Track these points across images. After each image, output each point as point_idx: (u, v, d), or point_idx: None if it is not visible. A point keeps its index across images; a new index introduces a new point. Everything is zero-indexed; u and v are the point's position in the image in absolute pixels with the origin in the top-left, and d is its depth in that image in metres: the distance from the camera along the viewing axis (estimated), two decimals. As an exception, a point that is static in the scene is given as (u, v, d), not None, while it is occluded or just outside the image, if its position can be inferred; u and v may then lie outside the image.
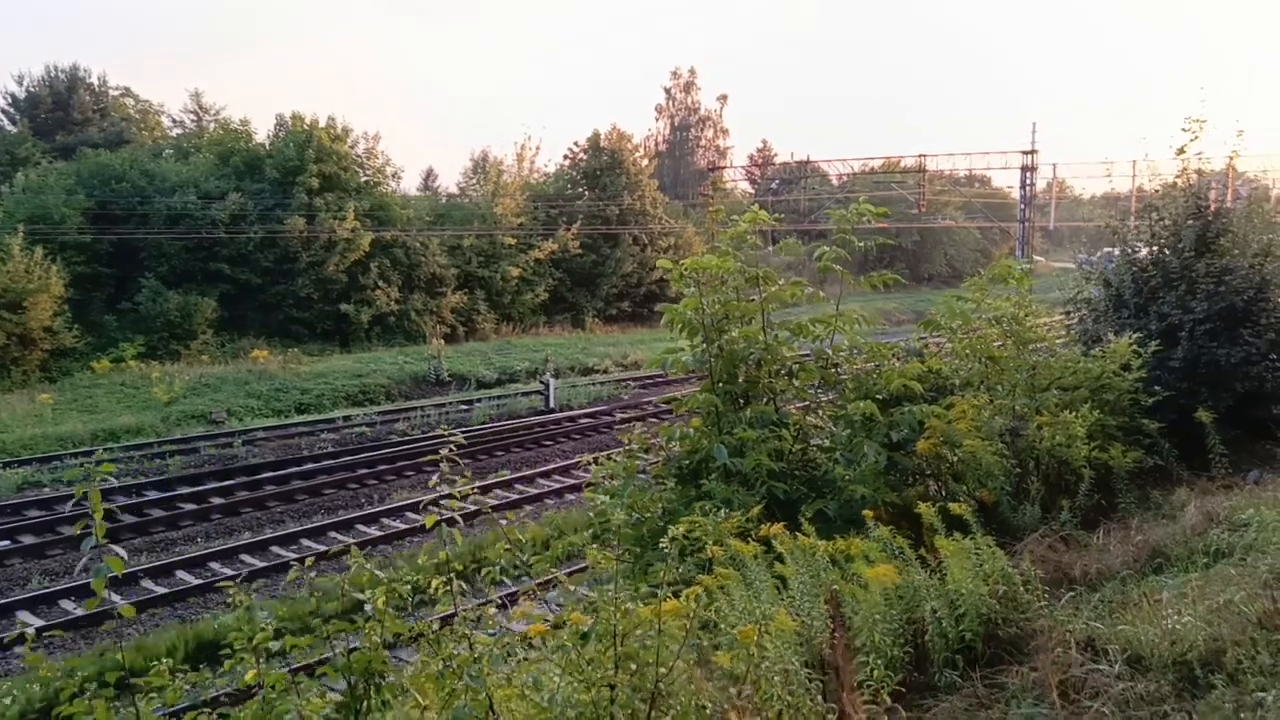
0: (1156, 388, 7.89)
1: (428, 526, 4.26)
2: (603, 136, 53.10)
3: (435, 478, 4.41)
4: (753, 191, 79.73)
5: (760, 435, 6.23)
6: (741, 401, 6.75)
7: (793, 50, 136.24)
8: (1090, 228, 59.57)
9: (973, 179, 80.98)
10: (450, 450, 4.40)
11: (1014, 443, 6.81)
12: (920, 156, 47.40)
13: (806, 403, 6.97)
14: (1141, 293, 9.73)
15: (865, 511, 5.13)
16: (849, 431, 6.67)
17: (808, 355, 7.22)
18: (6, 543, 16.73)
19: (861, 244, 7.15)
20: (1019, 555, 5.58)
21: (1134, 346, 7.95)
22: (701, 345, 6.59)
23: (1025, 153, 46.40)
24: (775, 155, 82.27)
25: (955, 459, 6.40)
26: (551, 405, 28.44)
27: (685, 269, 6.54)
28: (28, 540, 16.79)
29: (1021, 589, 4.42)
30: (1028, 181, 47.89)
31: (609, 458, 7.17)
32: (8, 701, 10.91)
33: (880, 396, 6.78)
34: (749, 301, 6.82)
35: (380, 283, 40.90)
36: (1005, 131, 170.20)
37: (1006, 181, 77.28)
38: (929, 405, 6.58)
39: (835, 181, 68.16)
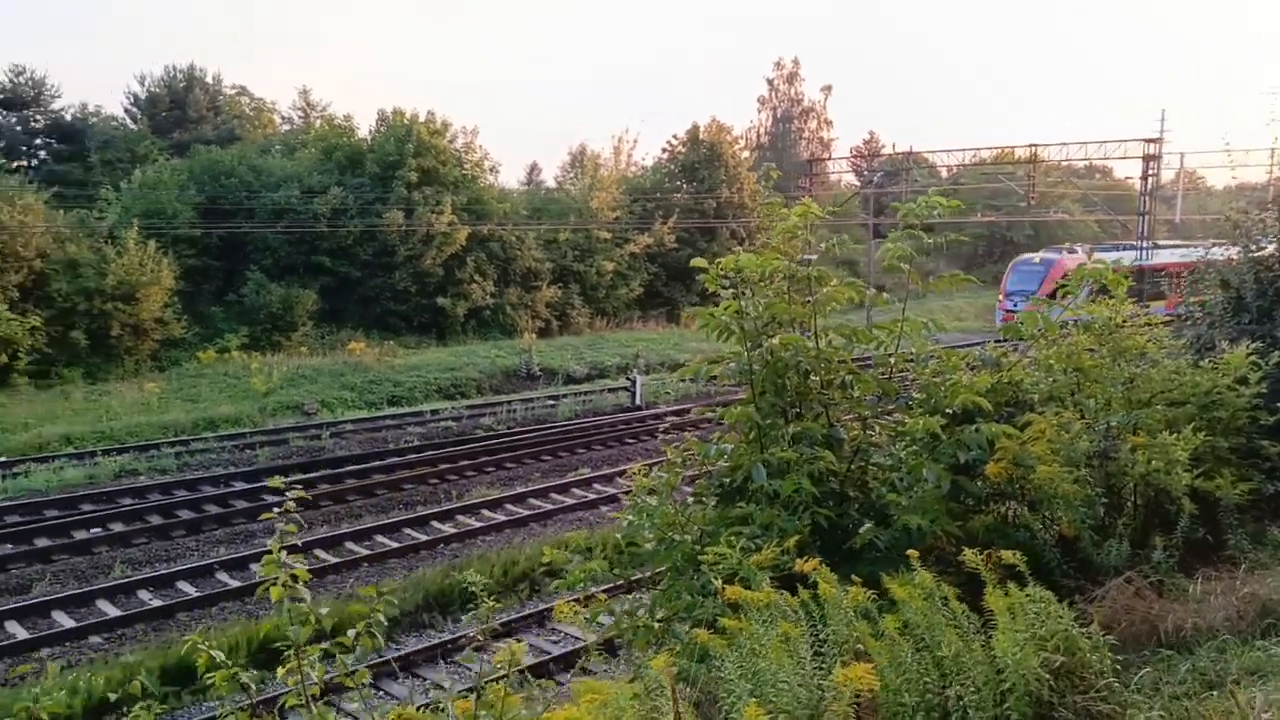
0: (1279, 405, 6.90)
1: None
2: (702, 129, 52.44)
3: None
4: (858, 184, 77.87)
5: (803, 455, 5.57)
6: (789, 416, 6.09)
7: (902, 39, 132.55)
8: (1219, 221, 56.13)
9: (1092, 170, 77.40)
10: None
11: (1102, 467, 5.97)
12: (1032, 146, 45.15)
13: (864, 417, 6.25)
14: (1266, 295, 8.65)
15: (910, 551, 4.43)
16: (910, 451, 5.94)
17: (869, 364, 6.50)
18: (98, 530, 17.16)
19: (930, 239, 6.39)
20: (1099, 601, 4.81)
21: (1253, 357, 6.96)
22: (743, 353, 5.95)
23: (1148, 140, 43.77)
24: (882, 147, 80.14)
25: (1029, 485, 5.61)
26: (637, 402, 28.00)
27: (722, 269, 5.92)
28: (117, 528, 17.18)
29: (1089, 655, 3.69)
30: (1151, 171, 45.22)
31: (648, 470, 6.59)
32: (80, 685, 11.01)
33: (949, 411, 6.02)
34: (800, 304, 6.14)
35: (476, 276, 41.19)
36: (1134, 120, 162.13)
37: (1131, 173, 73.49)
38: (1002, 424, 5.80)
39: (944, 174, 65.92)
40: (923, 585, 4.04)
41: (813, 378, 6.11)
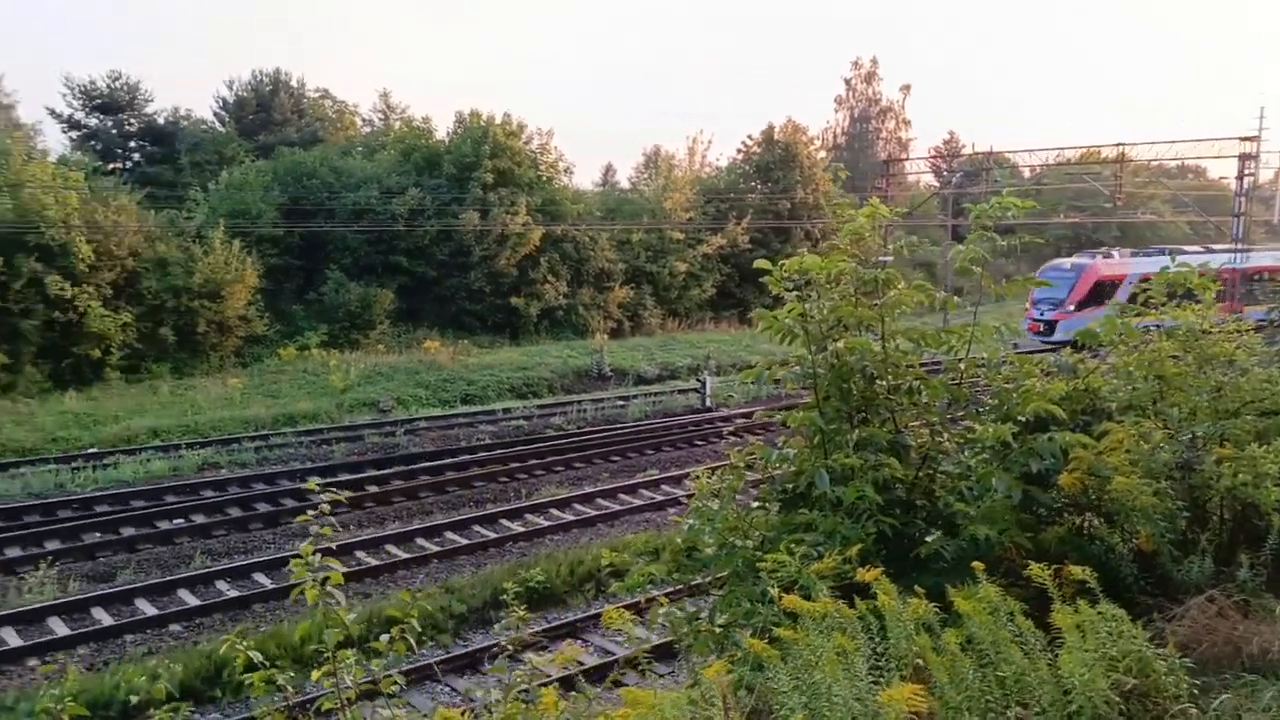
0: (1379, 416, 6.52)
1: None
2: (777, 129, 52.05)
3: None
4: (937, 185, 76.47)
5: (868, 461, 5.44)
6: (854, 421, 5.96)
7: (984, 36, 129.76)
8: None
9: (1184, 170, 74.78)
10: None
11: (1184, 480, 5.71)
12: (1120, 145, 43.70)
13: (932, 424, 6.08)
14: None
15: (975, 563, 4.29)
16: (979, 459, 5.77)
17: (938, 369, 6.33)
18: (180, 521, 17.71)
19: (1008, 241, 6.20)
20: (1177, 620, 4.60)
21: (1350, 364, 6.60)
22: (807, 357, 5.84)
23: (1245, 139, 42.04)
24: (962, 147, 78.57)
25: (1106, 497, 5.40)
26: (707, 403, 27.88)
27: (786, 270, 5.81)
28: (198, 520, 17.71)
29: (1164, 677, 3.51)
30: (1248, 171, 43.42)
31: (711, 473, 6.52)
32: (161, 672, 11.34)
33: (1021, 419, 5.83)
34: (867, 307, 6.00)
35: (549, 277, 41.51)
36: (1230, 120, 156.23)
37: (1227, 172, 70.74)
38: (1077, 433, 5.58)
39: (1026, 174, 64.32)
40: (988, 599, 3.90)
41: (879, 382, 5.97)
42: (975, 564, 4.25)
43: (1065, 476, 5.47)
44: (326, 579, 3.40)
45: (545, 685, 3.39)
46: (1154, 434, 5.99)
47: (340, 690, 3.24)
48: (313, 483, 4.07)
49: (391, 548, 16.19)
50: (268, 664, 3.49)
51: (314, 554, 3.53)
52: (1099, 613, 3.62)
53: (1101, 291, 35.21)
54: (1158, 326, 6.79)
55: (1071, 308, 35.71)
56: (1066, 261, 39.98)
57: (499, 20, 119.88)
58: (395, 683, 3.44)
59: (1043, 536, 5.41)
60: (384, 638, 3.44)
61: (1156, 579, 5.19)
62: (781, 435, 6.55)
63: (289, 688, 3.46)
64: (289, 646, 11.17)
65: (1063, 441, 5.50)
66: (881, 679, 3.43)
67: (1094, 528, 5.60)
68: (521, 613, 3.65)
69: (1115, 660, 3.46)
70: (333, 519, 3.77)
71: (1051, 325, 35.62)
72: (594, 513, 18.16)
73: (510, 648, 3.35)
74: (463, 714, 3.52)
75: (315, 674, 3.51)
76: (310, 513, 3.80)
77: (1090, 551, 5.30)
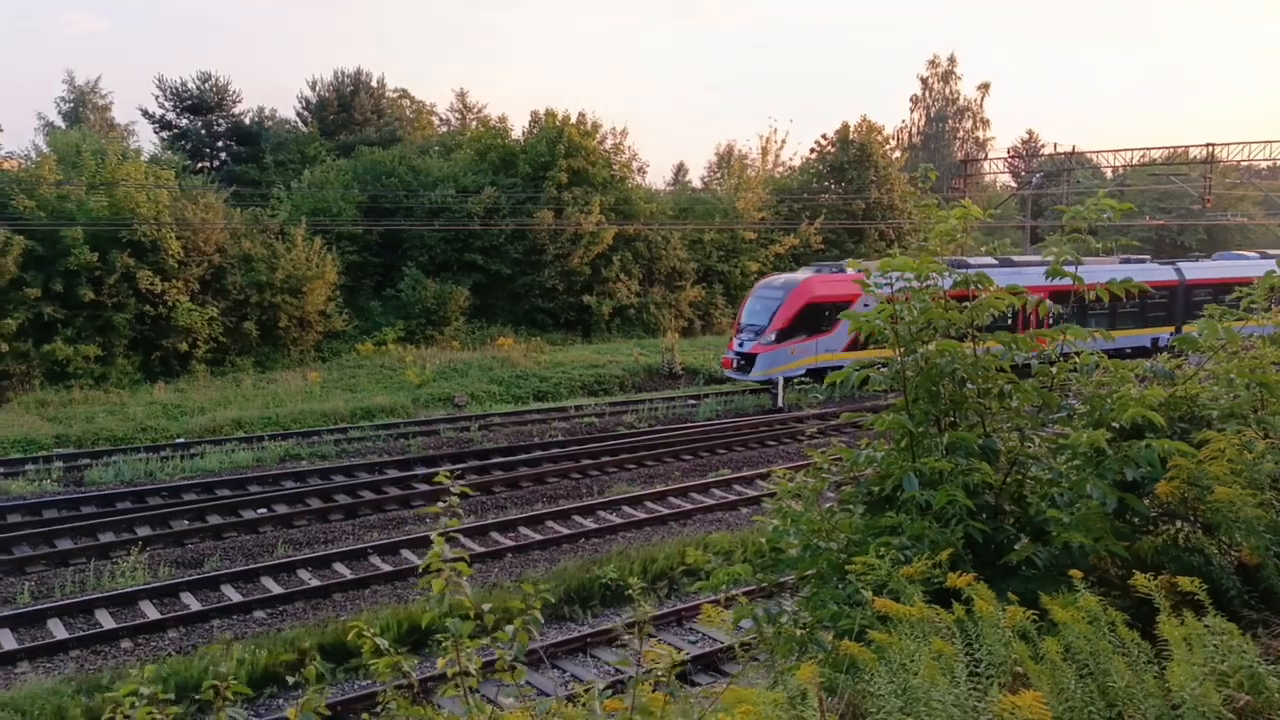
0: None
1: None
2: (852, 129, 51.49)
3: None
4: (1014, 186, 74.86)
5: (958, 465, 5.37)
6: (942, 425, 5.88)
7: (1068, 33, 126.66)
8: None
9: (1277, 170, 71.99)
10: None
11: (1290, 490, 5.52)
12: (1208, 145, 42.31)
13: (1021, 428, 5.98)
14: None
15: (1073, 572, 4.21)
16: (1072, 465, 5.65)
17: (1027, 372, 6.21)
18: (263, 510, 18.21)
19: (1100, 245, 6.06)
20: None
21: None
22: (896, 360, 5.78)
23: (1343, 139, 40.38)
24: (1041, 147, 76.78)
25: (1206, 508, 5.24)
26: (779, 404, 27.70)
27: (879, 270, 5.77)
28: (280, 509, 18.18)
29: (1277, 695, 3.41)
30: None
31: (791, 474, 6.50)
32: (244, 657, 11.69)
33: (1116, 425, 5.70)
34: (957, 310, 5.92)
35: (621, 275, 41.73)
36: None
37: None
38: (1175, 440, 5.43)
39: (1108, 174, 62.58)
40: (1087, 608, 3.83)
41: (969, 386, 5.90)
42: (1073, 572, 4.17)
43: (1163, 485, 5.32)
44: (458, 571, 3.52)
45: (645, 681, 3.41)
46: (1257, 444, 5.81)
47: (463, 680, 3.32)
48: (443, 474, 4.21)
49: (466, 541, 16.42)
50: (392, 650, 3.60)
51: (444, 545, 3.65)
52: (1207, 626, 3.52)
53: (817, 317, 28.19)
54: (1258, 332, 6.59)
55: (772, 337, 28.09)
56: (780, 278, 31.34)
57: (574, 15, 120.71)
58: (523, 673, 3.51)
59: (1138, 546, 5.28)
60: (509, 628, 3.51)
61: (1260, 593, 5.03)
62: (864, 437, 6.49)
63: (413, 674, 3.57)
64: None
65: (1161, 449, 5.36)
66: (978, 687, 3.39)
67: (1192, 538, 5.45)
68: (646, 606, 3.69)
69: (1225, 675, 3.37)
70: (459, 512, 3.90)
71: (750, 359, 28.32)
72: (666, 511, 18.19)
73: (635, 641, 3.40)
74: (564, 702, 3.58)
75: (440, 662, 3.61)
76: (440, 503, 3.94)
77: (1189, 563, 5.15)
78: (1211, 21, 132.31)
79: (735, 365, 28.97)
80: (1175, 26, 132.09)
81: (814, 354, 28.20)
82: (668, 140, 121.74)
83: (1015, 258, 35.78)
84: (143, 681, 3.19)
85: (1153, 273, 35.05)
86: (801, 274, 30.92)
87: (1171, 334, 29.60)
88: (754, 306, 29.50)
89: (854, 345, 27.67)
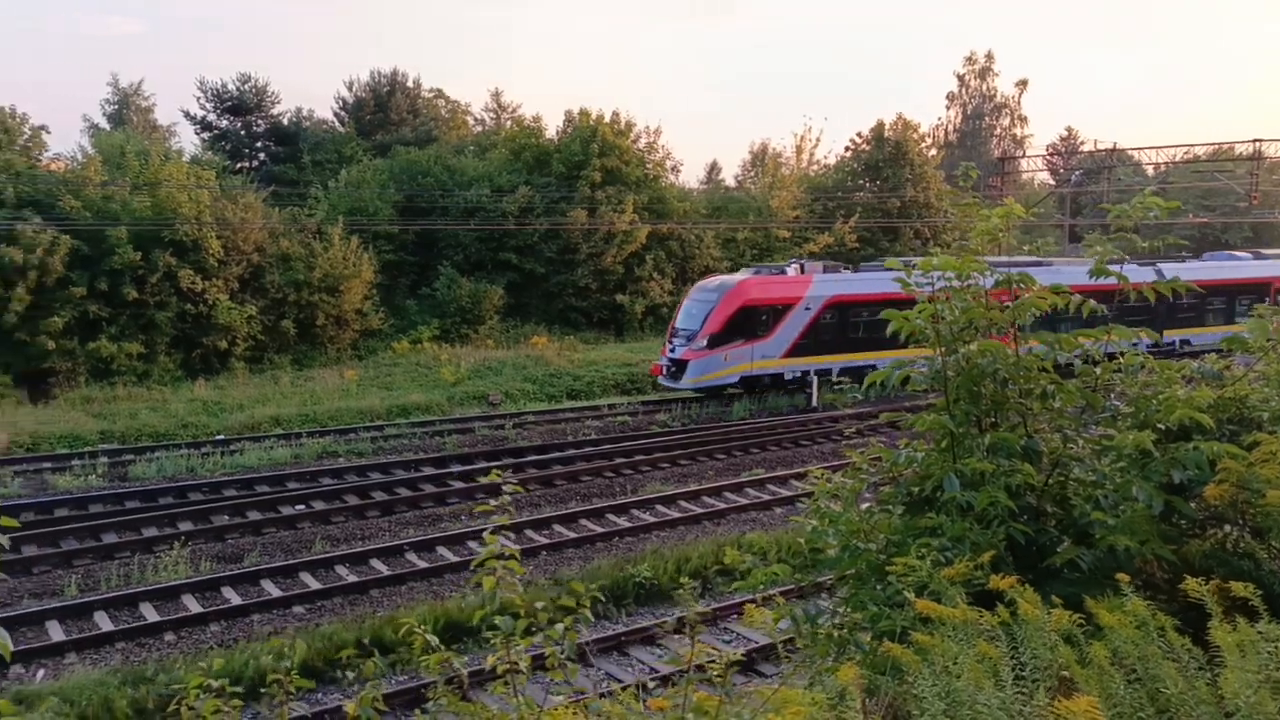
0: None
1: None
2: (887, 126, 51.15)
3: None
4: (1053, 184, 73.93)
5: (1000, 466, 5.32)
6: (983, 425, 5.83)
7: (1106, 28, 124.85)
8: None
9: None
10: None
11: (1342, 495, 5.40)
12: (1255, 141, 41.55)
13: (1064, 429, 5.91)
14: None
15: (1120, 575, 4.16)
16: (1116, 467, 5.57)
17: (1070, 372, 6.13)
18: (301, 506, 18.41)
19: (1146, 244, 5.97)
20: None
21: None
22: (937, 360, 5.74)
23: (1394, 135, 39.54)
24: (1081, 144, 75.81)
25: (1256, 511, 5.15)
26: (814, 404, 27.56)
27: (920, 269, 5.72)
28: (318, 506, 18.38)
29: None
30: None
31: (829, 475, 6.46)
32: (286, 650, 11.84)
33: (1162, 427, 5.61)
34: (999, 310, 5.87)
35: (655, 274, 41.77)
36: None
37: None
38: (1224, 443, 5.34)
39: (1150, 171, 61.70)
40: (1135, 612, 3.77)
41: (1010, 386, 5.84)
42: (1120, 575, 4.12)
43: (1212, 488, 5.24)
44: (511, 570, 3.57)
45: (692, 681, 3.43)
46: (1308, 446, 5.69)
47: (514, 677, 3.35)
48: (495, 474, 4.29)
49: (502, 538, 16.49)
50: (443, 646, 3.65)
51: (497, 543, 3.71)
52: (1260, 632, 3.46)
53: (753, 321, 26.89)
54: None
55: (704, 342, 26.67)
56: (716, 279, 29.75)
57: (609, 14, 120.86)
58: (576, 671, 3.55)
59: (1185, 550, 5.20)
60: (558, 626, 3.55)
61: (1312, 599, 4.94)
62: (902, 438, 6.44)
63: (463, 670, 3.61)
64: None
65: (1210, 452, 5.27)
66: (1024, 691, 3.36)
67: (1241, 542, 5.35)
68: (697, 605, 3.72)
69: None
70: (511, 510, 3.97)
71: (682, 366, 26.87)
72: (699, 510, 18.17)
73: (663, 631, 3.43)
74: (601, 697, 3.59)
75: (490, 659, 3.65)
76: (493, 501, 4.01)
77: (1239, 567, 5.06)
78: (1255, 10, 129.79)
79: (666, 372, 27.73)
80: (1216, 14, 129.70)
81: (749, 360, 26.78)
82: (702, 139, 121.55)
83: (1054, 258, 35.20)
84: (211, 674, 3.26)
85: (1133, 274, 34.14)
86: (738, 276, 29.56)
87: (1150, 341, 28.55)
88: (689, 309, 27.93)
89: (793, 351, 27.18)
